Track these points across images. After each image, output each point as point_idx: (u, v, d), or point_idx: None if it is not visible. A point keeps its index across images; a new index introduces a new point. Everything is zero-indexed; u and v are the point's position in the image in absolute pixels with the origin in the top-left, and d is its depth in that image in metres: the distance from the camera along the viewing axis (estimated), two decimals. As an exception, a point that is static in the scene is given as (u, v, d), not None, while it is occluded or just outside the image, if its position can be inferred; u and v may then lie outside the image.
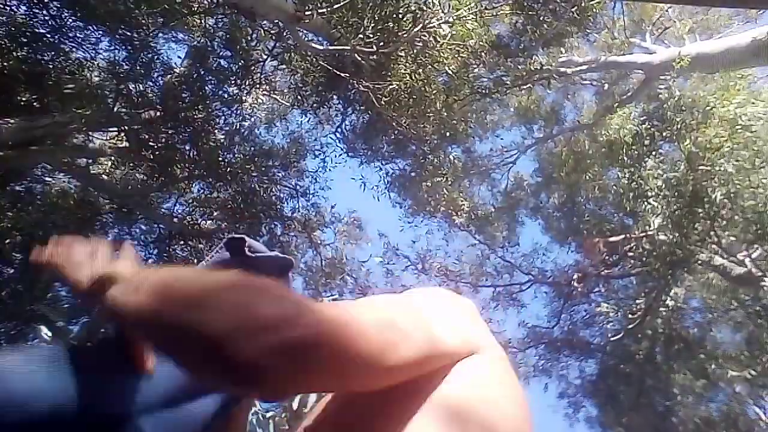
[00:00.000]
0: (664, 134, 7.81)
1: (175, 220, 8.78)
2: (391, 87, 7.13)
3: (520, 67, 8.76)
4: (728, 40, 9.30)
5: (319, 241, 10.97)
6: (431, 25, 6.73)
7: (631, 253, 9.75)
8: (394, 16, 6.60)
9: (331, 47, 7.18)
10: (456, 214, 10.57)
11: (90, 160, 8.41)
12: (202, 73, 8.06)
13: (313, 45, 7.20)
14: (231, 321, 0.43)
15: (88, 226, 7.87)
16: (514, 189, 12.65)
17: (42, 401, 0.49)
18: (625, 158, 8.19)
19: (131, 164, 8.06)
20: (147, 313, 0.50)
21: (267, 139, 10.08)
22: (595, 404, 12.14)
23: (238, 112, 8.74)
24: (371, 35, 6.57)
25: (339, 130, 9.43)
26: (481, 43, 7.65)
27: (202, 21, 8.15)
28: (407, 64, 7.13)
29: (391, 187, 10.06)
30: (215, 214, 8.93)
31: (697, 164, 7.19)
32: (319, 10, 6.61)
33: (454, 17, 7.00)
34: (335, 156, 9.60)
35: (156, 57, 7.76)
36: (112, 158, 8.28)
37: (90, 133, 7.54)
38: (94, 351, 0.59)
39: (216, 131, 8.34)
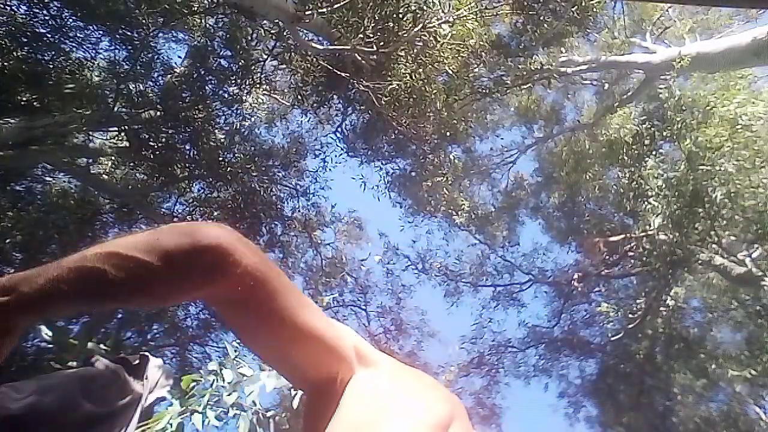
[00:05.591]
0: (664, 134, 7.79)
1: (176, 219, 8.78)
2: (391, 87, 7.12)
3: (520, 66, 8.76)
4: (728, 40, 9.28)
5: (319, 241, 10.97)
6: (431, 25, 6.73)
7: (631, 253, 9.76)
8: (394, 16, 6.59)
9: (331, 47, 7.17)
10: (456, 213, 10.57)
11: (90, 160, 8.42)
12: (202, 73, 8.06)
13: (313, 45, 7.19)
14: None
15: (88, 226, 7.88)
16: (514, 189, 12.63)
17: None
18: (626, 158, 8.19)
19: (131, 164, 8.06)
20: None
21: (267, 139, 10.09)
22: (595, 404, 12.14)
23: (238, 111, 8.74)
24: (371, 35, 6.57)
25: (339, 129, 9.43)
26: (481, 42, 7.64)
27: (202, 21, 8.15)
28: (407, 64, 7.12)
29: (392, 186, 10.04)
30: (215, 214, 8.93)
31: (698, 164, 7.17)
32: (319, 10, 6.61)
33: (454, 17, 7.00)
34: (335, 156, 9.61)
35: (156, 57, 7.76)
36: (113, 158, 8.29)
37: (90, 133, 7.54)
38: None
39: (216, 131, 8.35)
